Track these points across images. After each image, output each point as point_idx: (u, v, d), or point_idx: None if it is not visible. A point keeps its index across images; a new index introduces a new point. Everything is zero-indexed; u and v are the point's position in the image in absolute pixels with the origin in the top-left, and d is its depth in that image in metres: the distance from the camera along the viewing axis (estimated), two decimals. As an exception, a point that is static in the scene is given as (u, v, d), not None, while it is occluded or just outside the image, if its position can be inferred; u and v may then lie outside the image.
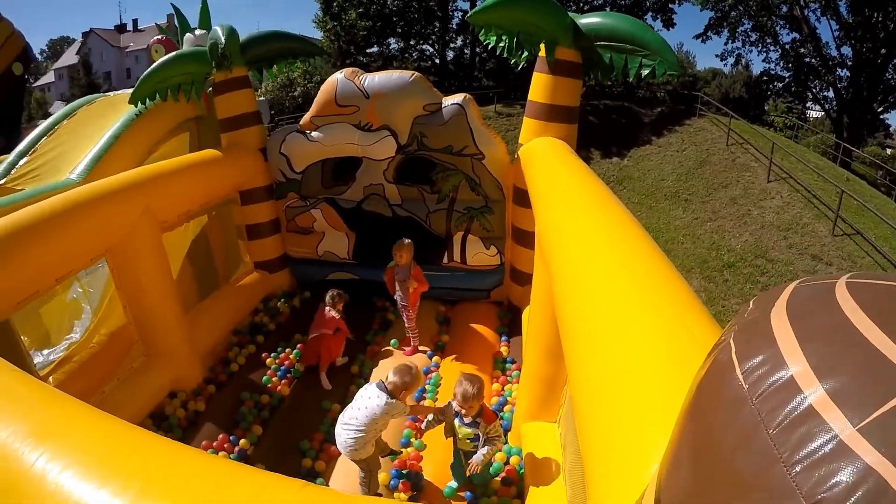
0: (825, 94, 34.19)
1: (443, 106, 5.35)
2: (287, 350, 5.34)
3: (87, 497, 1.48)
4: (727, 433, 0.68)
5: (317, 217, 6.05)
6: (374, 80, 5.41)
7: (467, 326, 5.59)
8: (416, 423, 4.13)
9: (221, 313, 5.62)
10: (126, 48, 63.97)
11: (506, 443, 4.00)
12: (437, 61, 37.19)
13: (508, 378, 4.98)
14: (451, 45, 37.58)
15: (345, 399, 4.77)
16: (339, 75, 5.53)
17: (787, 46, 33.66)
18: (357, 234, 6.10)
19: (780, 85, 37.57)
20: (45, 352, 4.79)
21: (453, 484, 3.78)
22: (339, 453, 4.06)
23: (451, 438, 3.65)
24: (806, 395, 0.61)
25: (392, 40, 36.22)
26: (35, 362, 4.15)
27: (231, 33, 5.46)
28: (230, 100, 5.75)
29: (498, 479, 3.75)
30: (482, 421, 3.43)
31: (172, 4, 7.31)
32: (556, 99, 4.99)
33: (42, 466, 1.57)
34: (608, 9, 30.26)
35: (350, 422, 3.47)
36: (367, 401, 3.45)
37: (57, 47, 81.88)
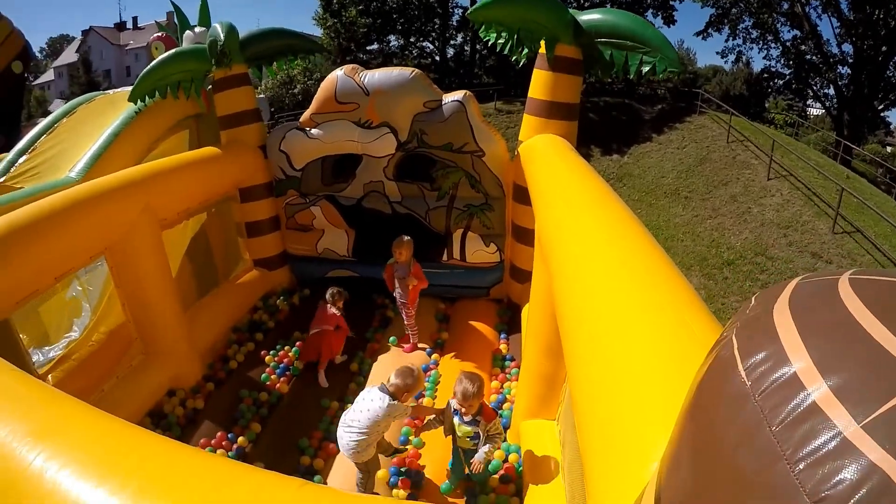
0: (826, 91, 34.18)
1: (443, 103, 5.34)
2: (286, 348, 5.34)
3: (85, 496, 1.47)
4: (729, 430, 0.67)
5: (316, 214, 6.04)
6: (375, 77, 5.40)
7: (467, 324, 5.59)
8: (416, 421, 4.13)
9: (221, 311, 5.62)
10: (126, 46, 63.93)
11: (505, 440, 4.00)
12: (438, 58, 37.16)
13: (507, 376, 4.98)
14: (452, 42, 37.57)
15: (344, 397, 4.79)
16: (339, 72, 5.52)
17: (787, 44, 33.65)
18: (357, 232, 6.10)
19: (781, 82, 37.55)
20: (46, 349, 4.79)
21: (452, 481, 3.78)
22: (338, 451, 4.07)
23: (450, 436, 3.65)
24: (809, 392, 0.60)
25: (392, 37, 36.19)
26: (34, 360, 4.14)
27: (230, 30, 5.45)
28: (230, 97, 5.74)
29: (496, 476, 3.75)
30: (482, 419, 3.43)
31: (172, 2, 7.29)
32: (556, 96, 4.98)
33: (40, 465, 1.57)
34: (609, 5, 30.20)
35: (352, 424, 3.47)
36: (370, 403, 3.46)
37: (56, 45, 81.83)
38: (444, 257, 5.91)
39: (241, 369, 5.09)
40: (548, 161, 4.26)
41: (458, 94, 5.38)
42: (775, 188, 17.57)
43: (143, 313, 4.56)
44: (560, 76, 4.92)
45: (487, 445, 3.40)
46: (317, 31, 34.20)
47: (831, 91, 33.16)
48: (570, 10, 4.77)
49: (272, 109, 29.85)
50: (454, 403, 3.46)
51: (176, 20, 7.14)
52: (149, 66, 5.63)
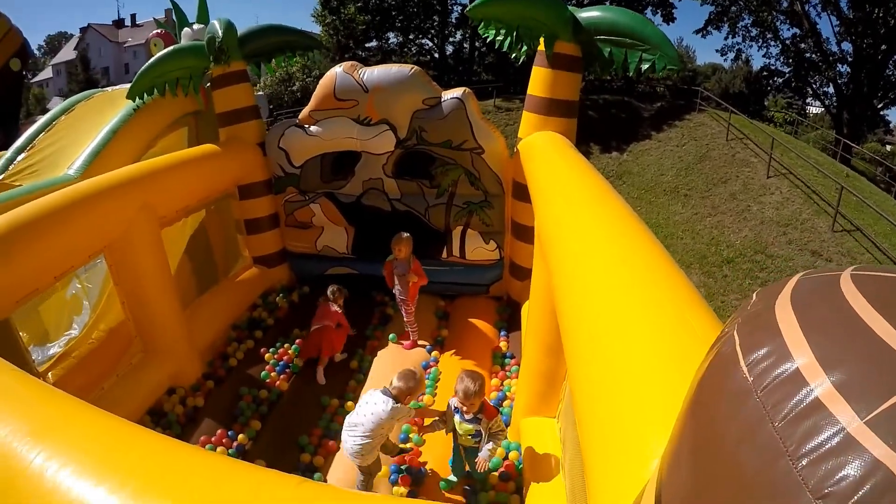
0: (825, 89, 34.19)
1: (442, 100, 5.33)
2: (286, 345, 5.34)
3: (85, 494, 1.47)
4: (731, 426, 0.67)
5: (316, 211, 6.03)
6: (374, 74, 5.40)
7: (466, 321, 5.59)
8: (416, 420, 4.14)
9: (220, 308, 5.62)
10: (124, 43, 63.82)
11: (505, 438, 4.00)
12: (437, 56, 37.14)
13: (507, 373, 4.98)
14: (451, 40, 37.54)
15: (344, 394, 4.79)
16: (337, 69, 5.51)
17: (787, 42, 33.65)
18: (356, 229, 6.09)
19: (781, 80, 37.56)
20: (48, 346, 4.78)
21: (452, 478, 3.78)
22: (338, 448, 4.08)
23: (450, 434, 3.65)
24: (812, 388, 0.60)
25: (391, 34, 36.18)
26: (34, 358, 4.13)
27: (229, 27, 5.43)
28: (228, 94, 5.73)
29: (496, 473, 3.75)
30: (484, 417, 3.43)
31: (171, -1, 7.27)
32: (555, 93, 4.98)
33: (40, 464, 1.57)
34: (608, 2, 30.16)
35: (356, 428, 3.49)
36: (373, 406, 3.47)
37: (55, 43, 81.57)
38: (444, 255, 5.91)
39: (241, 367, 5.09)
40: (547, 158, 4.25)
41: (457, 92, 5.37)
42: (775, 186, 17.57)
43: (142, 311, 4.56)
44: (559, 73, 4.91)
45: (491, 443, 3.41)
46: (315, 28, 34.17)
47: (831, 89, 33.19)
48: (570, 8, 4.76)
49: (271, 107, 29.79)
50: (455, 402, 3.46)
51: (174, 17, 7.12)
52: (147, 63, 5.61)
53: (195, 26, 6.81)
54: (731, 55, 36.77)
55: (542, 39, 4.88)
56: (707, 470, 0.71)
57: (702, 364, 0.80)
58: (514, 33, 4.90)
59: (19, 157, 5.74)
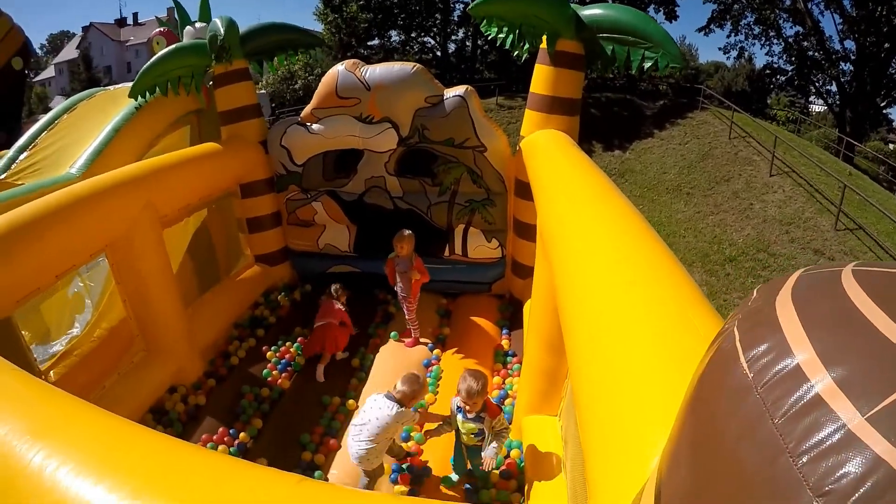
0: (828, 88, 34.14)
1: (444, 98, 5.32)
2: (287, 343, 5.34)
3: (84, 493, 1.47)
4: (730, 423, 0.66)
5: (318, 210, 6.03)
6: (376, 71, 5.39)
7: (468, 319, 5.58)
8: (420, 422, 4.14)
9: (222, 307, 5.62)
10: (126, 42, 63.89)
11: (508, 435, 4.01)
12: (439, 54, 37.12)
13: (509, 371, 4.97)
14: (453, 38, 37.53)
15: (345, 393, 4.79)
16: (339, 67, 5.50)
17: (790, 40, 33.58)
18: (358, 227, 6.09)
19: (783, 78, 37.47)
20: (50, 344, 4.79)
21: (453, 476, 3.78)
22: (339, 447, 4.08)
23: (452, 432, 3.65)
24: (813, 384, 0.59)
25: (393, 33, 36.19)
26: (36, 357, 4.14)
27: (230, 25, 5.43)
28: (230, 92, 5.72)
29: (497, 471, 3.75)
30: (487, 415, 3.43)
31: (173, -2, 7.27)
32: (558, 91, 4.97)
33: (39, 463, 1.57)
34: (611, 0, 30.12)
35: (361, 433, 3.48)
36: (378, 411, 3.47)
37: (57, 42, 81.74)
38: (446, 253, 5.91)
39: (243, 365, 5.10)
40: (550, 156, 4.24)
41: (459, 90, 5.36)
42: (777, 185, 17.53)
43: (144, 310, 4.56)
44: (562, 71, 4.90)
45: (495, 442, 3.41)
46: (318, 27, 34.18)
47: (834, 88, 33.11)
48: (572, 6, 4.74)
49: (273, 105, 29.83)
50: (458, 401, 3.46)
51: (177, 16, 7.12)
52: (149, 62, 5.61)
53: (197, 24, 6.80)
54: (734, 53, 36.77)
55: (544, 37, 4.87)
56: (707, 467, 0.70)
57: (702, 360, 0.79)
58: (517, 31, 4.89)
59: (21, 156, 5.75)
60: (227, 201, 6.34)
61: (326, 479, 3.85)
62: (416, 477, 3.80)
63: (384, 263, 5.26)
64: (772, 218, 16.15)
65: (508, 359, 5.14)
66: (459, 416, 3.50)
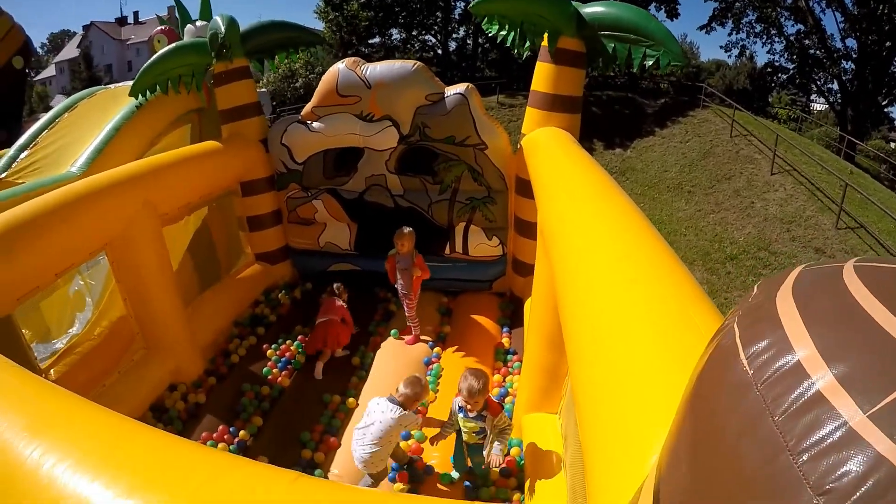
0: (829, 86, 34.11)
1: (445, 96, 5.32)
2: (288, 342, 5.34)
3: (82, 489, 1.47)
4: (730, 420, 0.65)
5: (318, 208, 6.03)
6: (376, 69, 5.38)
7: (469, 317, 5.58)
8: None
9: (222, 305, 5.62)
10: (127, 41, 63.87)
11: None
12: (440, 52, 37.09)
13: (510, 369, 4.97)
14: (454, 36, 37.49)
15: (345, 391, 4.79)
16: (340, 65, 5.50)
17: (791, 38, 33.55)
18: (359, 225, 6.08)
19: (785, 77, 37.44)
20: (51, 342, 4.79)
21: (453, 474, 3.78)
22: (339, 445, 4.08)
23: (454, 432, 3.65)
24: (813, 381, 0.58)
25: (394, 31, 36.17)
26: (37, 355, 4.14)
27: (231, 23, 5.42)
28: (231, 90, 5.71)
29: (497, 469, 3.75)
30: (489, 414, 3.43)
31: (173, -4, 7.27)
32: (559, 89, 4.96)
33: (37, 459, 1.57)
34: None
35: (365, 436, 3.48)
36: (381, 415, 3.47)
37: (58, 41, 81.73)
38: (447, 251, 5.90)
39: (243, 363, 5.09)
40: (551, 154, 4.23)
41: (460, 87, 5.35)
42: (779, 183, 17.51)
43: (144, 308, 4.56)
44: (563, 69, 4.89)
45: (499, 441, 3.41)
46: (318, 25, 34.15)
47: (835, 86, 33.08)
48: (573, 3, 4.73)
49: (274, 103, 29.83)
50: (459, 401, 3.46)
51: (177, 14, 7.12)
52: (150, 61, 5.60)
53: (198, 23, 6.80)
54: (735, 51, 36.78)
55: (545, 35, 4.86)
56: (706, 464, 0.70)
57: (701, 357, 0.79)
58: (518, 29, 4.89)
59: (22, 155, 5.75)
60: (227, 199, 6.33)
61: (326, 477, 3.84)
62: (415, 475, 3.79)
63: (385, 261, 5.25)
64: (773, 216, 16.13)
65: (509, 357, 5.14)
66: (461, 415, 3.50)
